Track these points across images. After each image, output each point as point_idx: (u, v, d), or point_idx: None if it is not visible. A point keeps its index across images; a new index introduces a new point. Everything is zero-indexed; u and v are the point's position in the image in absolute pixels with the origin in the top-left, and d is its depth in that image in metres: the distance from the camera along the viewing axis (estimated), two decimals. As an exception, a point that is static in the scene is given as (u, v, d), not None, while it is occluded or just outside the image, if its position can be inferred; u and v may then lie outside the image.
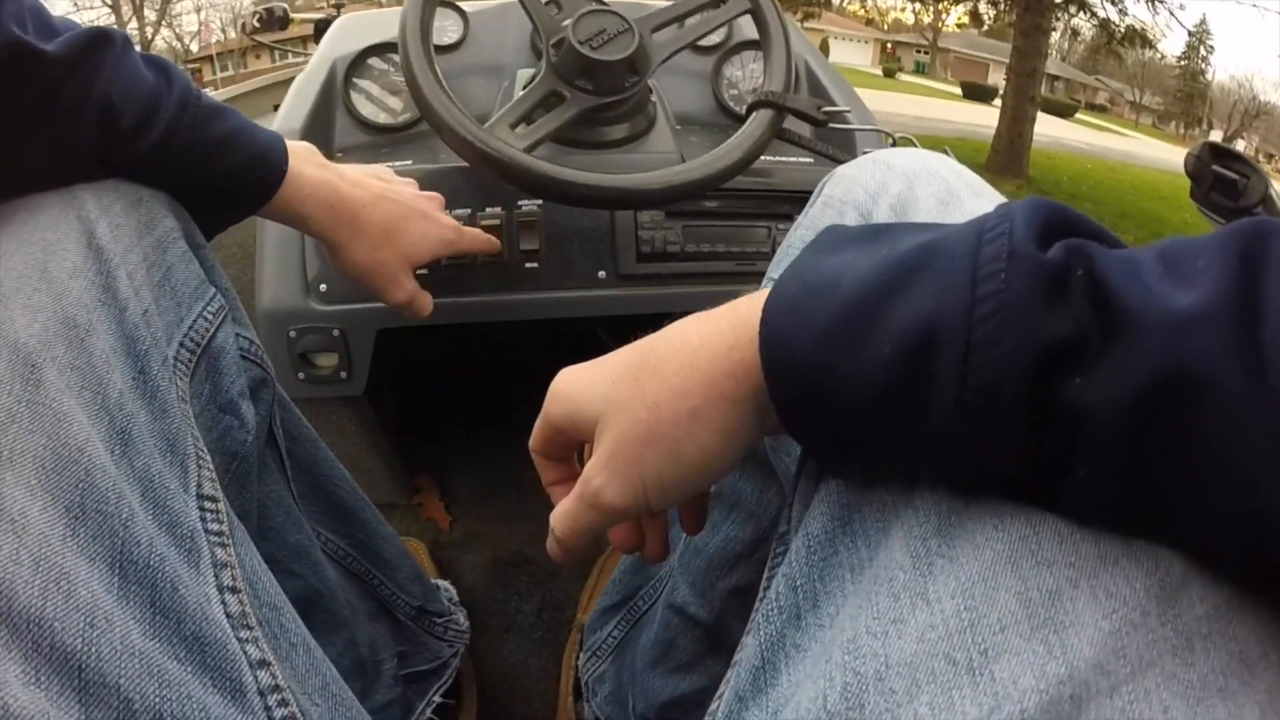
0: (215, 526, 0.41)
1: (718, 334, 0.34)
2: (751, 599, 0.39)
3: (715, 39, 1.01)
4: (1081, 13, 10.25)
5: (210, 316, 0.48)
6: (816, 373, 0.29)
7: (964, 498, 0.29)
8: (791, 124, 0.77)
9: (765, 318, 0.31)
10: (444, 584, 0.94)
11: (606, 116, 0.79)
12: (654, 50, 0.76)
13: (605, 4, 0.98)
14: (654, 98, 0.87)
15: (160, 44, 21.78)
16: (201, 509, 0.40)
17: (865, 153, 0.87)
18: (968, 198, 0.41)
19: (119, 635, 0.32)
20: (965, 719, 0.25)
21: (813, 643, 0.32)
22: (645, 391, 0.34)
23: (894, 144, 0.83)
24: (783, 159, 0.87)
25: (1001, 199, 0.41)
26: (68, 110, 0.42)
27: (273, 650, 0.40)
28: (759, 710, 0.34)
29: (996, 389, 0.25)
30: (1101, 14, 10.32)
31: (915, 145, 0.84)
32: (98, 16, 20.82)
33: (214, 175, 0.51)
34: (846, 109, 0.85)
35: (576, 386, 0.38)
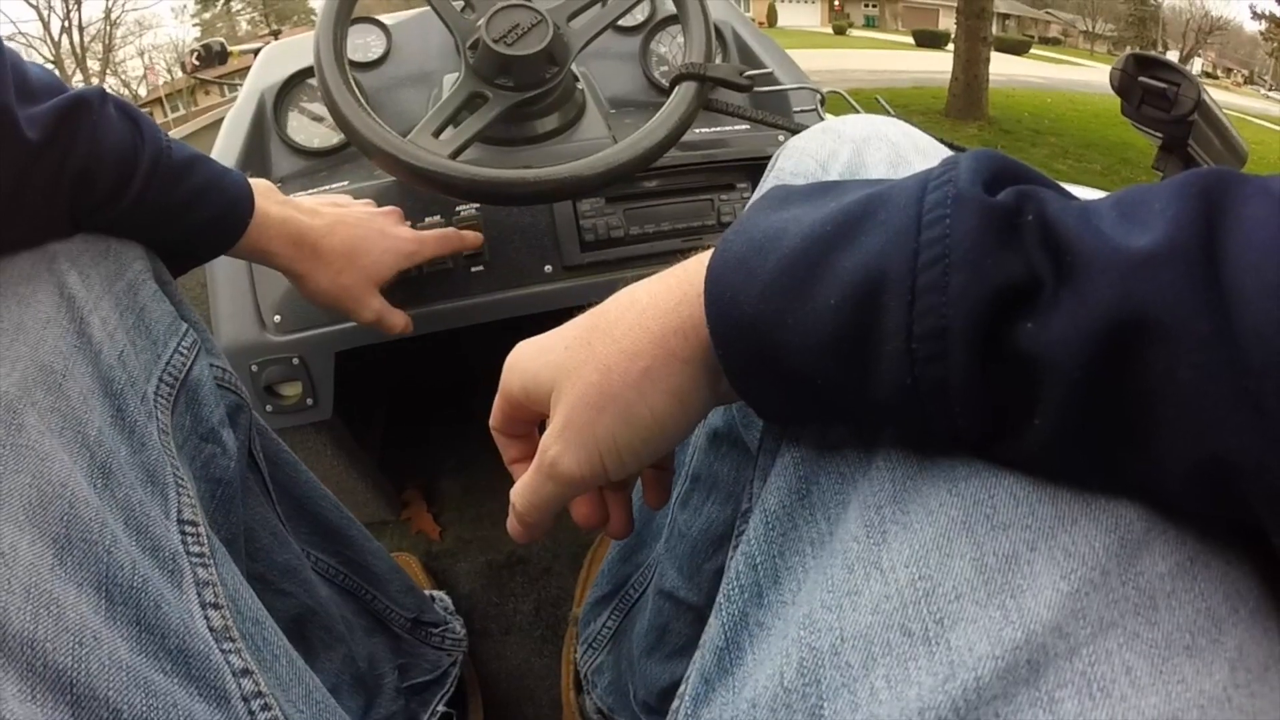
0: (196, 549, 0.43)
1: (666, 292, 0.33)
2: None
3: (639, 17, 1.00)
4: (1023, -53, 10.21)
5: (185, 351, 0.51)
6: (762, 326, 0.28)
7: (919, 462, 0.28)
8: (723, 93, 0.77)
9: (710, 273, 0.30)
10: (439, 594, 0.95)
11: (534, 110, 0.79)
12: (572, 38, 0.76)
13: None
14: (581, 85, 0.87)
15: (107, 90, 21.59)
16: (183, 533, 0.43)
17: (799, 111, 0.88)
18: (916, 160, 0.40)
19: (107, 652, 0.35)
20: (920, 689, 0.25)
21: (776, 620, 0.32)
22: (596, 354, 0.33)
23: (822, 100, 0.83)
24: (719, 129, 0.87)
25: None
26: (43, 188, 0.43)
27: (256, 660, 0.42)
28: (725, 691, 0.34)
29: (945, 334, 0.24)
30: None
31: (846, 99, 0.85)
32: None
33: (184, 228, 0.53)
34: (770, 70, 0.85)
35: (530, 356, 0.37)
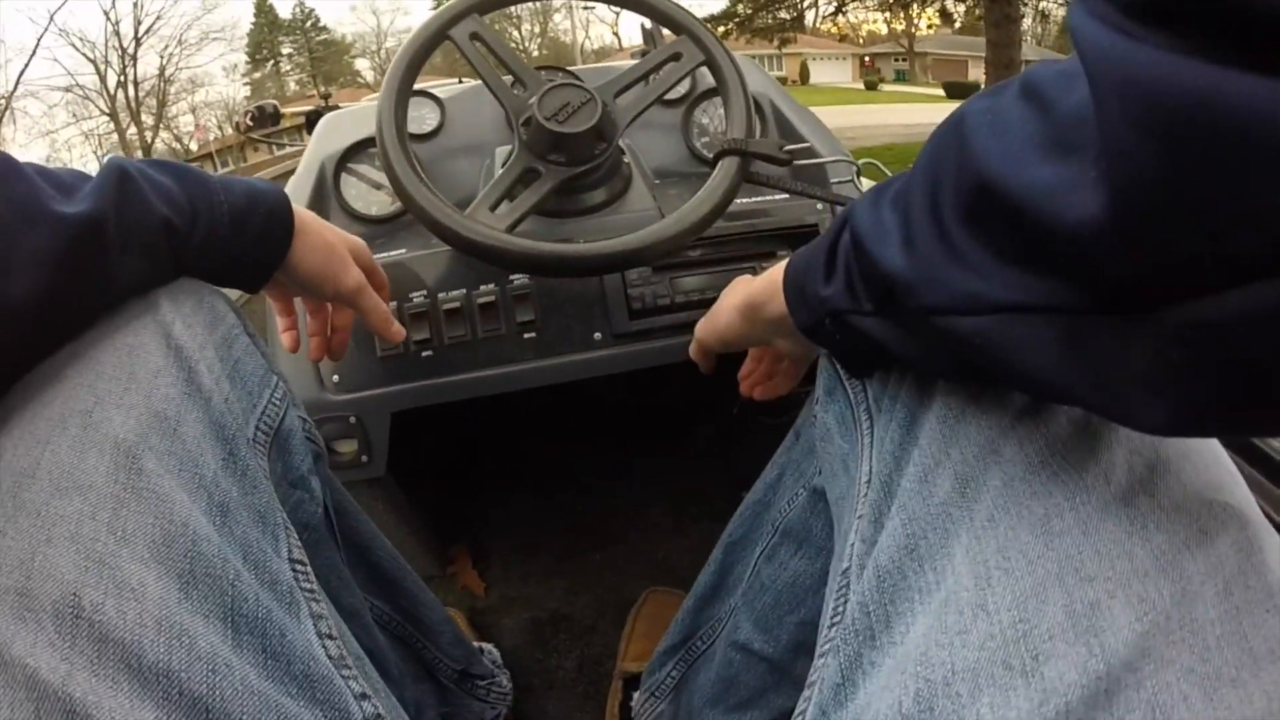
0: (307, 585, 0.46)
1: (763, 281, 0.55)
2: (816, 630, 0.46)
3: (681, 90, 1.04)
4: (1044, -6, 10.31)
5: (278, 402, 0.53)
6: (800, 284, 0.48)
7: (1018, 515, 0.35)
8: (763, 166, 0.80)
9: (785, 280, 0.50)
10: (487, 647, 0.96)
11: (584, 184, 0.83)
12: (619, 115, 0.80)
13: (571, 73, 1.02)
14: (627, 158, 0.91)
15: (160, 146, 22.52)
16: (294, 570, 0.45)
17: (837, 182, 0.91)
18: None
19: (239, 679, 0.37)
20: (1019, 713, 0.31)
21: (886, 659, 0.38)
22: (730, 296, 0.60)
23: (858, 171, 0.86)
24: (759, 199, 0.90)
25: None
26: (142, 243, 0.44)
27: (370, 687, 0.45)
28: None
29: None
30: (1066, -7, 10.38)
31: (880, 169, 0.87)
32: (96, 125, 21.60)
33: (250, 235, 0.53)
34: (808, 144, 0.88)
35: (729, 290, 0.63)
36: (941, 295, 0.33)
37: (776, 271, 0.53)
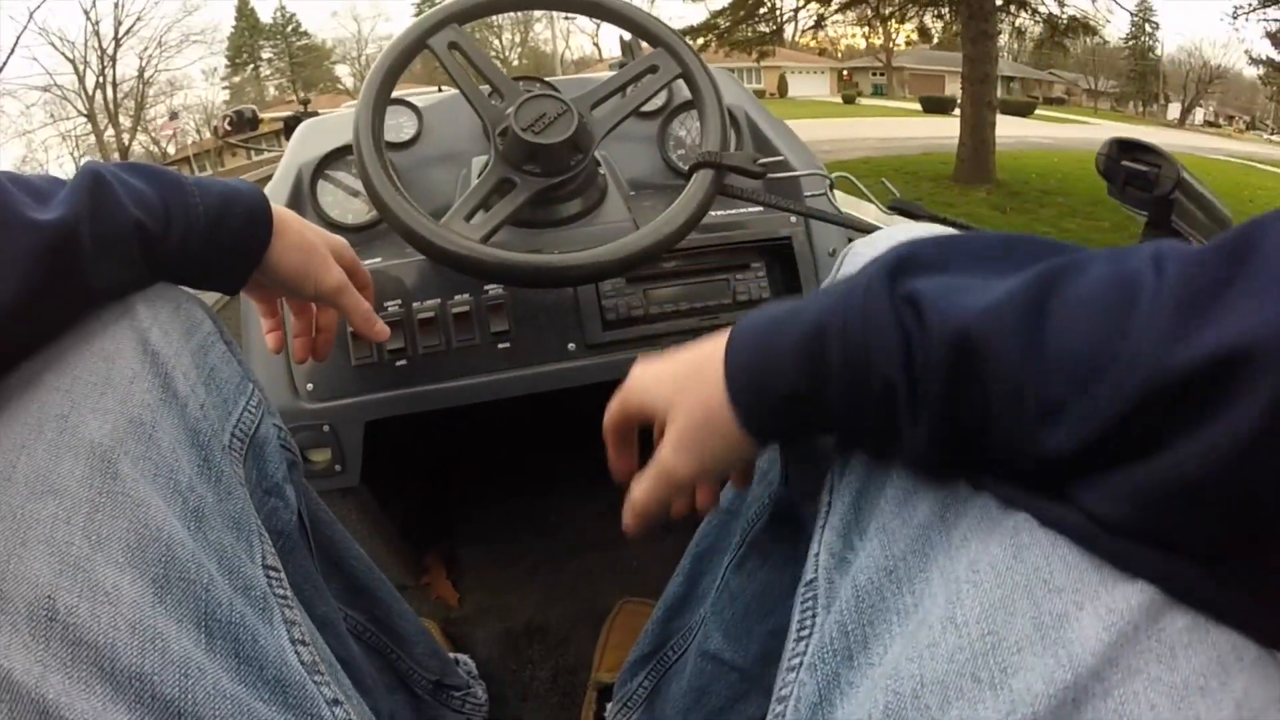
0: (280, 591, 0.46)
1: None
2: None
3: (658, 102, 1.05)
4: (1023, 11, 10.47)
5: (253, 410, 0.53)
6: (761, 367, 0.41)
7: (987, 532, 0.35)
8: (738, 178, 0.81)
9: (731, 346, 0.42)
10: (463, 658, 0.96)
11: (559, 195, 0.83)
12: (595, 126, 0.80)
13: (548, 84, 1.03)
14: (602, 169, 0.91)
15: (137, 148, 22.25)
16: (268, 576, 0.46)
17: (810, 195, 0.92)
18: None
19: (211, 682, 0.37)
20: None
21: (864, 679, 0.38)
22: (700, 392, 0.44)
23: (831, 185, 0.87)
24: (733, 211, 0.91)
25: None
26: (116, 248, 0.45)
27: (343, 693, 0.45)
28: None
29: (867, 365, 0.36)
30: (1044, 10, 10.55)
31: (853, 182, 0.89)
32: (74, 126, 21.31)
33: (228, 236, 0.53)
34: (782, 157, 0.89)
35: (650, 381, 0.49)
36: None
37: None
